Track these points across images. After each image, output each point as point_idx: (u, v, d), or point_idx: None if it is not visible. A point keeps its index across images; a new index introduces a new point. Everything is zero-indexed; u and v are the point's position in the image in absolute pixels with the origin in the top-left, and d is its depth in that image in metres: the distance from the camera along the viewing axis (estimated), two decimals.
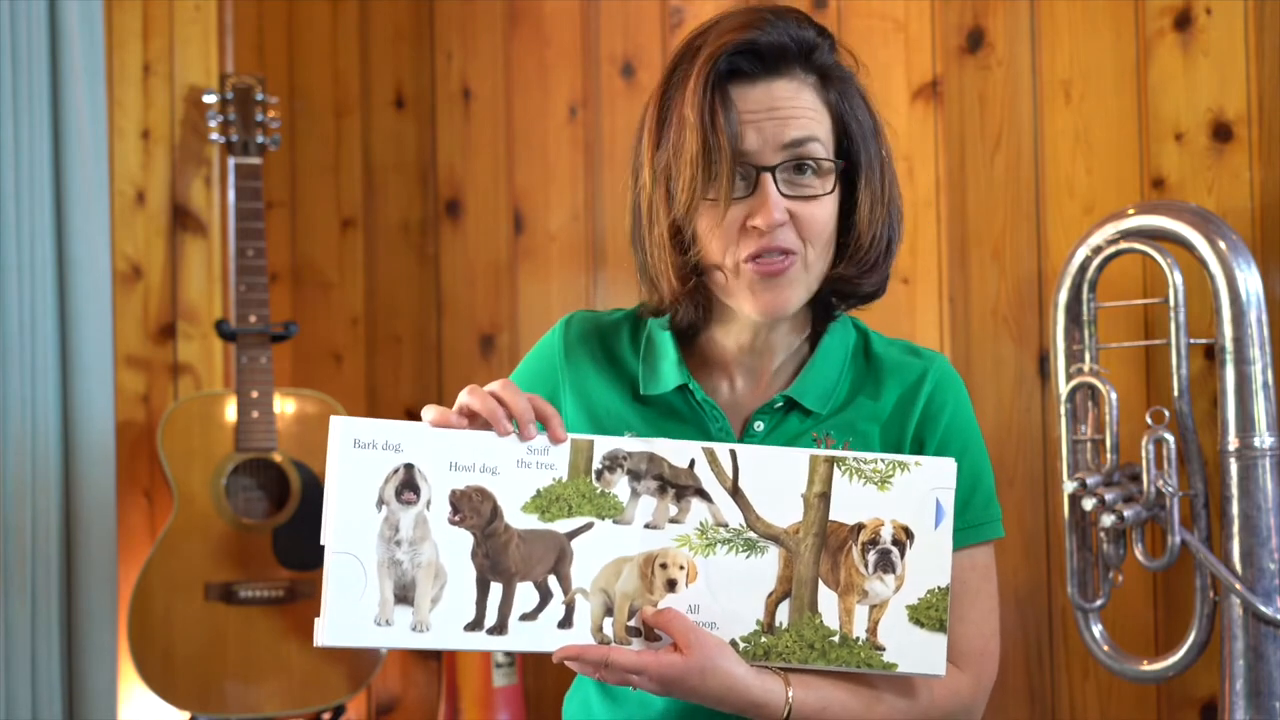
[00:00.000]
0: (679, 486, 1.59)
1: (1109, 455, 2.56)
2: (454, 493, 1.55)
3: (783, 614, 1.60)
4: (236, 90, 3.41)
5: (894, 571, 1.60)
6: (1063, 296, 2.63)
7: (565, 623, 1.57)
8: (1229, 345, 2.50)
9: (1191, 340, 2.56)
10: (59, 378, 3.13)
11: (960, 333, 2.90)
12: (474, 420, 1.58)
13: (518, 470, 1.56)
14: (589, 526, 1.58)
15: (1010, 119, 2.86)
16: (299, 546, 3.26)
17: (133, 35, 3.50)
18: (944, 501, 1.61)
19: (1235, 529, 2.49)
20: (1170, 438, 2.53)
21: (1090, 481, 2.56)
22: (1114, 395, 2.55)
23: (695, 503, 1.59)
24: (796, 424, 1.74)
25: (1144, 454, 2.53)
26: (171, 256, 3.55)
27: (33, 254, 3.07)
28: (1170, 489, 2.51)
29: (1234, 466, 2.49)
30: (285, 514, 3.27)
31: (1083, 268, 2.61)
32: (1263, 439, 2.48)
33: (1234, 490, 2.49)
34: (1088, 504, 2.54)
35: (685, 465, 1.59)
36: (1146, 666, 2.61)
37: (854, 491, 1.60)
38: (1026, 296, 2.84)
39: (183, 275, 3.56)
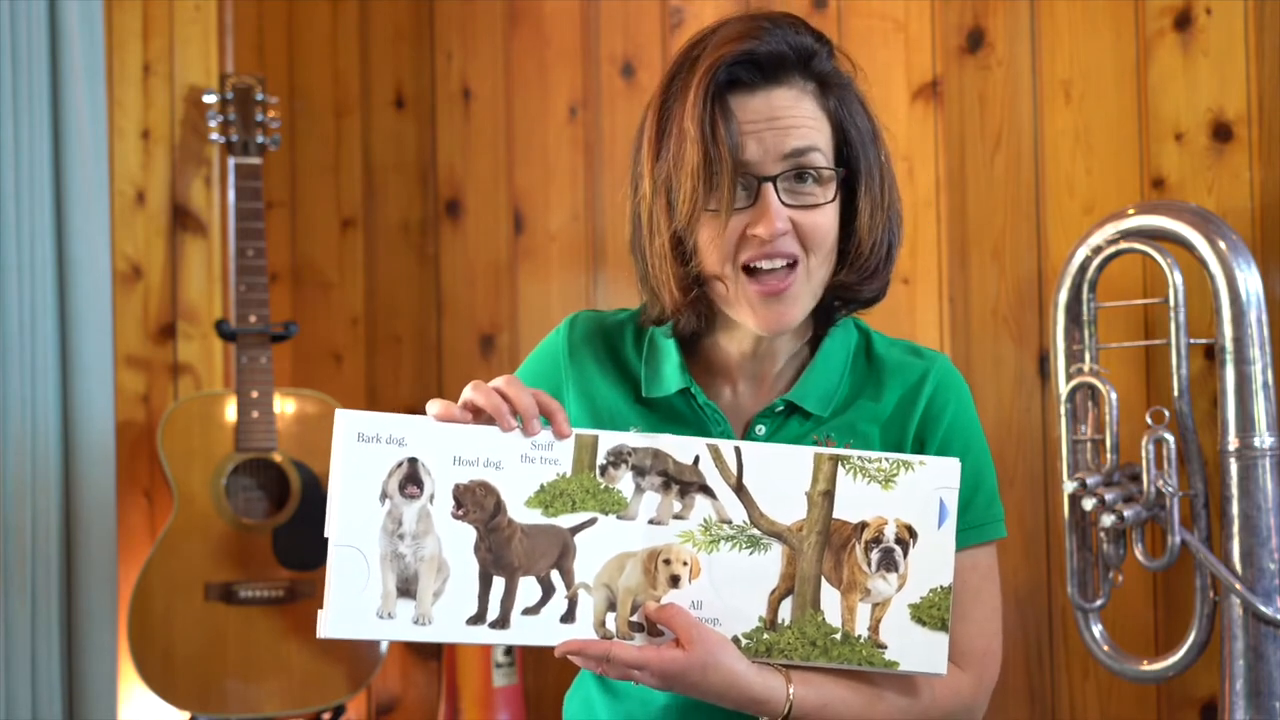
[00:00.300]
0: (683, 483, 1.59)
1: (1109, 455, 2.56)
2: (457, 487, 1.55)
3: (785, 611, 1.60)
4: (236, 90, 3.41)
5: (897, 570, 1.60)
6: (1063, 296, 2.63)
7: (568, 617, 1.57)
8: (1229, 345, 2.50)
9: (1191, 340, 2.56)
10: (59, 378, 3.13)
11: (960, 333, 2.90)
12: (478, 415, 1.58)
13: (521, 465, 1.57)
14: (592, 522, 1.58)
15: (1010, 119, 2.86)
16: (299, 546, 3.26)
17: (133, 35, 3.50)
18: (947, 501, 1.61)
19: (1235, 529, 2.49)
20: (1170, 438, 2.53)
21: (1090, 481, 2.56)
22: (1114, 395, 2.55)
23: (699, 499, 1.59)
24: (797, 427, 1.74)
25: (1144, 454, 2.54)
26: (171, 256, 3.55)
27: (33, 254, 3.08)
28: (1170, 489, 2.52)
29: (1234, 466, 2.49)
30: (285, 514, 3.27)
31: (1083, 268, 2.61)
32: (1263, 439, 2.48)
33: (1234, 490, 2.49)
34: (1088, 504, 2.55)
35: (690, 462, 1.59)
36: (1146, 666, 2.61)
37: (858, 490, 1.60)
38: (1026, 296, 2.84)
39: (183, 275, 3.56)
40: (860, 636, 1.60)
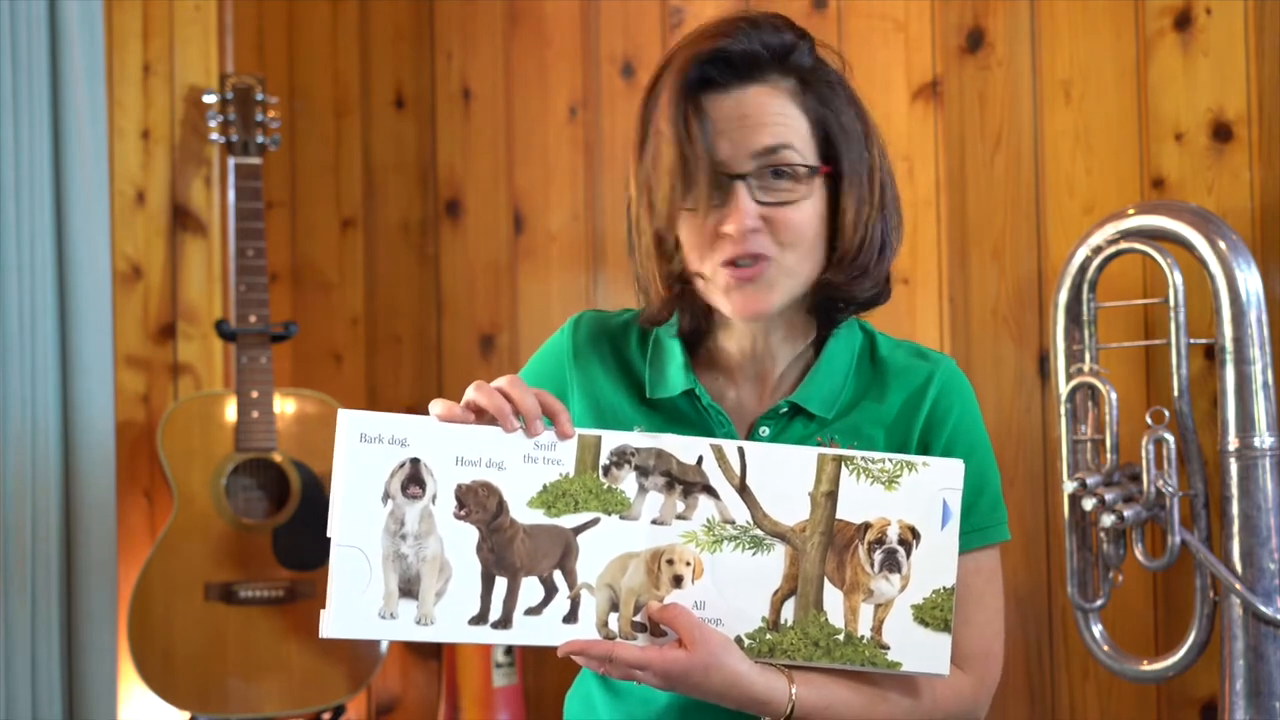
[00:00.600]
0: (686, 483, 1.59)
1: (1109, 455, 2.56)
2: (460, 487, 1.55)
3: (788, 611, 1.60)
4: (236, 90, 3.41)
5: (900, 571, 1.60)
6: (1063, 296, 2.63)
7: (570, 618, 1.57)
8: (1229, 345, 2.50)
9: (1191, 340, 2.56)
10: (59, 378, 3.13)
11: (960, 333, 2.90)
12: (481, 416, 1.58)
13: (524, 465, 1.57)
14: (595, 522, 1.58)
15: (1010, 119, 2.86)
16: (299, 546, 3.26)
17: (133, 35, 3.50)
18: (951, 502, 1.61)
19: (1235, 529, 2.49)
20: (1170, 438, 2.53)
21: (1090, 481, 2.56)
22: (1114, 395, 2.56)
23: (702, 499, 1.59)
24: (801, 429, 1.73)
25: (1144, 454, 2.54)
26: (171, 256, 3.55)
27: (33, 254, 3.07)
28: (1170, 489, 2.52)
29: (1234, 466, 2.49)
30: (285, 514, 3.27)
31: (1083, 268, 2.61)
32: (1263, 439, 2.48)
33: (1234, 490, 2.49)
34: (1088, 504, 2.55)
35: (693, 462, 1.59)
36: (1146, 666, 2.62)
37: (861, 491, 1.60)
38: (1026, 296, 2.84)
39: (183, 275, 3.56)
40: (863, 637, 1.60)
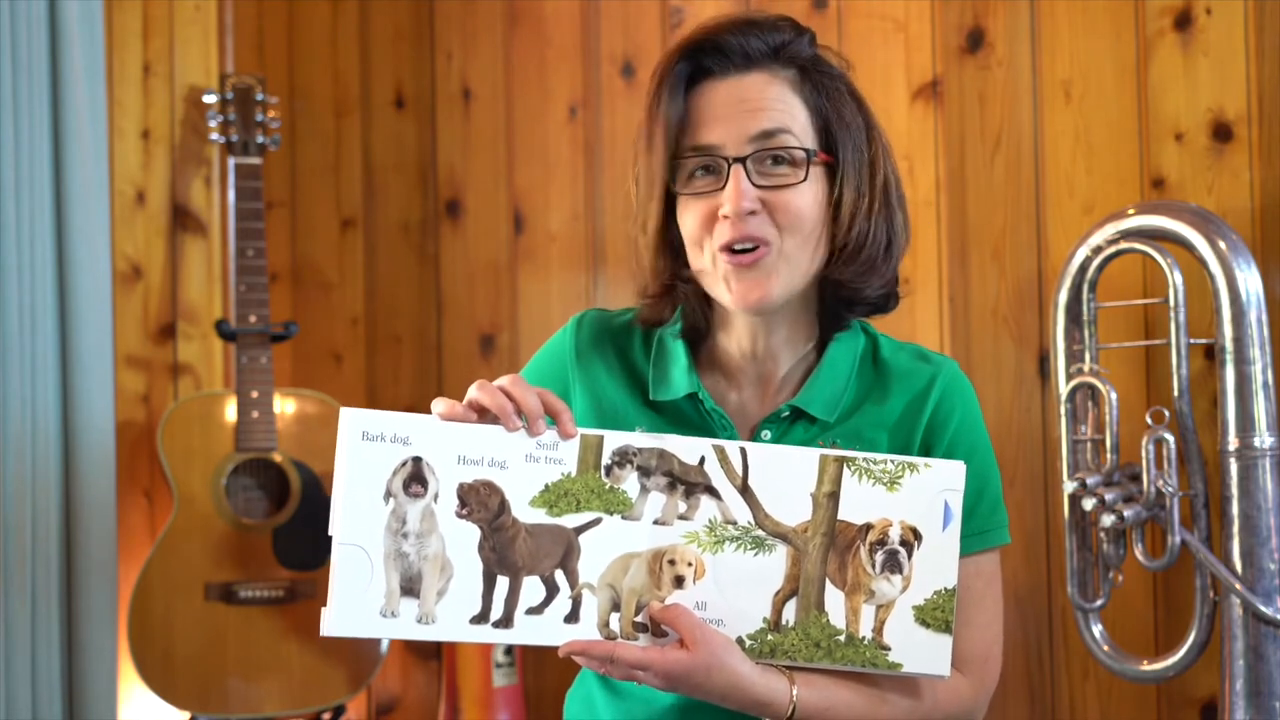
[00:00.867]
0: (688, 483, 1.59)
1: (1109, 455, 2.57)
2: (462, 486, 1.55)
3: (789, 612, 1.60)
4: (236, 90, 3.41)
5: (901, 572, 1.61)
6: (1063, 296, 2.63)
7: (571, 617, 1.57)
8: (1229, 345, 2.50)
9: (1191, 340, 2.56)
10: (59, 378, 3.13)
11: (960, 333, 2.91)
12: (483, 415, 1.58)
13: (526, 465, 1.57)
14: (597, 522, 1.58)
15: (1010, 119, 2.86)
16: (299, 546, 3.26)
17: (133, 35, 3.50)
18: (952, 504, 1.61)
19: (1235, 529, 2.49)
20: (1170, 438, 2.53)
21: (1090, 481, 2.56)
22: (1114, 395, 2.56)
23: (704, 500, 1.59)
24: (803, 432, 1.74)
25: (1144, 454, 2.54)
26: (171, 256, 3.55)
27: (33, 254, 3.07)
28: (1170, 489, 2.52)
29: (1234, 466, 2.50)
30: (285, 514, 3.27)
31: (1083, 268, 2.61)
32: (1263, 439, 2.48)
33: (1234, 490, 2.49)
34: (1088, 504, 2.55)
35: (695, 463, 1.60)
36: (1146, 666, 2.62)
37: (863, 492, 1.61)
38: (1026, 296, 2.84)
39: (183, 275, 3.56)
40: (864, 638, 1.60)
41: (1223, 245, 2.51)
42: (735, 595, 1.59)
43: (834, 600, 1.60)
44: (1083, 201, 2.78)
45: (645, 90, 1.74)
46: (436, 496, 1.55)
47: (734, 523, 1.59)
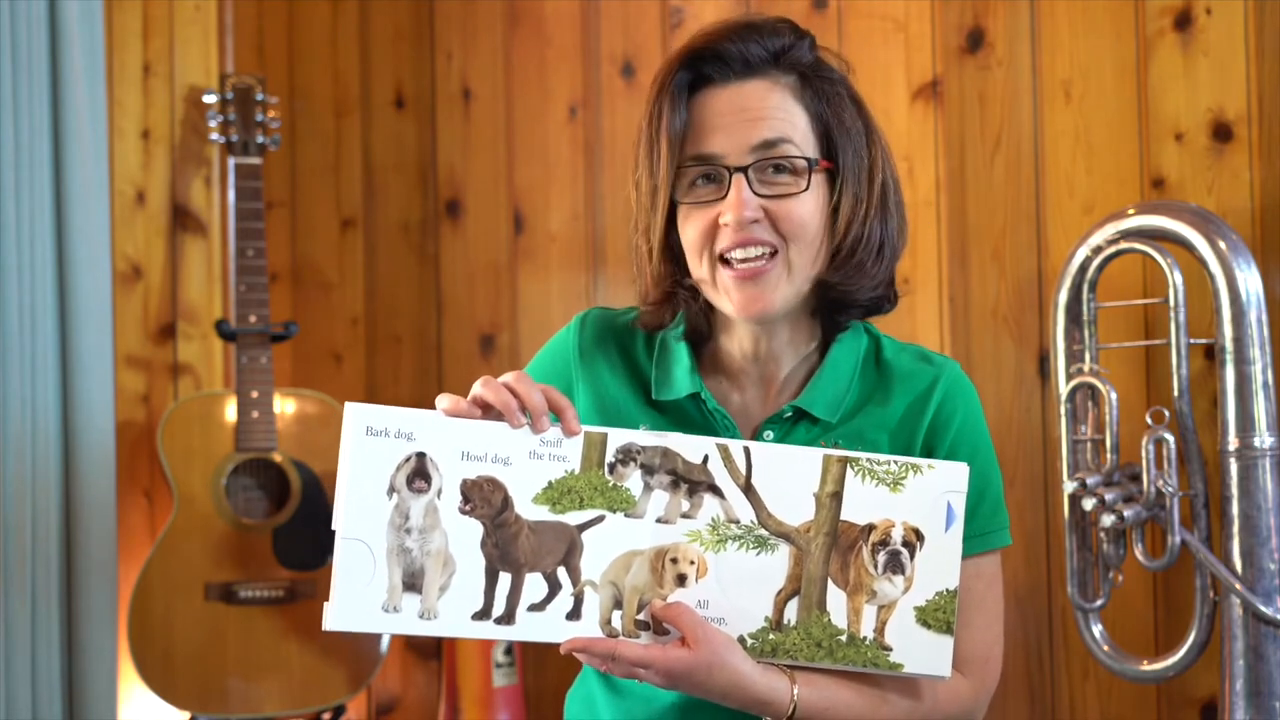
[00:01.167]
0: (692, 482, 1.59)
1: (1109, 455, 2.57)
2: (465, 482, 1.55)
3: (791, 612, 1.60)
4: (236, 90, 3.41)
5: (903, 573, 1.61)
6: (1063, 296, 2.63)
7: (573, 614, 1.57)
8: (1229, 345, 2.50)
9: (1191, 340, 2.56)
10: (59, 378, 3.13)
11: (960, 333, 2.91)
12: (487, 411, 1.58)
13: (530, 461, 1.57)
14: (600, 519, 1.58)
15: (1010, 119, 2.86)
16: (299, 546, 3.26)
17: (133, 35, 3.50)
18: (955, 505, 1.62)
19: (1235, 529, 2.49)
20: (1170, 438, 2.53)
21: (1090, 481, 2.56)
22: (1114, 395, 2.56)
23: (707, 498, 1.59)
24: (805, 433, 1.74)
25: (1144, 454, 2.54)
26: (171, 256, 3.55)
27: (33, 254, 3.07)
28: (1170, 489, 2.52)
29: (1234, 466, 2.50)
30: (285, 514, 3.27)
31: (1083, 268, 2.62)
32: (1263, 439, 2.48)
33: (1234, 490, 2.50)
34: (1088, 504, 2.55)
35: (699, 461, 1.60)
36: (1146, 666, 2.62)
37: (866, 492, 1.61)
38: (1026, 296, 2.85)
39: (183, 275, 3.56)
40: (865, 638, 1.61)
41: (1223, 245, 2.51)
42: (737, 594, 1.59)
43: (836, 600, 1.60)
44: (1083, 201, 2.79)
45: (645, 91, 1.74)
46: (440, 492, 1.55)
47: (737, 522, 1.60)
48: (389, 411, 1.55)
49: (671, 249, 1.74)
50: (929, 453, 1.74)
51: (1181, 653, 2.58)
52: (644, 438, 1.60)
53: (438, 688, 3.50)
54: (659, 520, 1.59)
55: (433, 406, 1.58)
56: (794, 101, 1.69)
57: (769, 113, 1.67)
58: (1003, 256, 2.87)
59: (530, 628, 1.57)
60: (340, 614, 1.53)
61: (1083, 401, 2.62)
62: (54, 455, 3.09)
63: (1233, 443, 2.50)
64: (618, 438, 1.59)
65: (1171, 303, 2.54)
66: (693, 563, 1.59)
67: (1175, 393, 2.55)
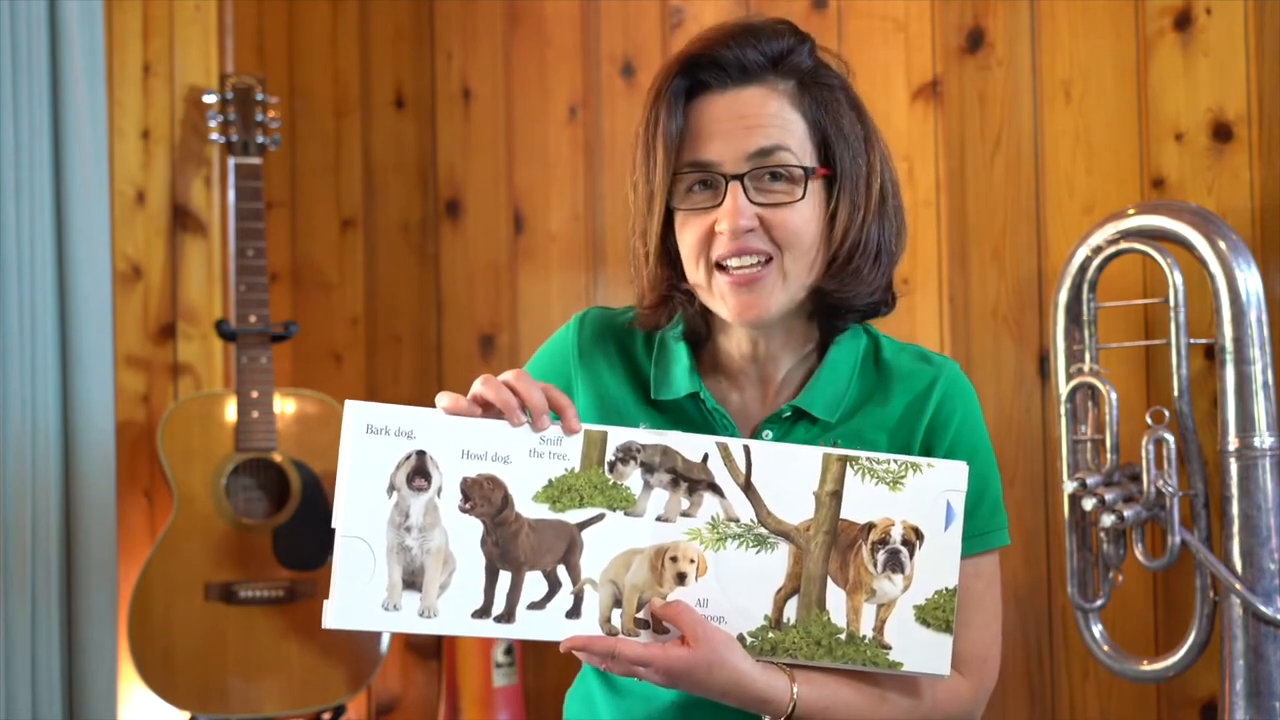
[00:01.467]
0: (692, 480, 1.59)
1: (1109, 455, 2.57)
2: (465, 480, 1.55)
3: (791, 610, 1.60)
4: (236, 90, 3.41)
5: (902, 571, 1.61)
6: (1063, 296, 2.63)
7: (573, 613, 1.57)
8: (1229, 345, 2.50)
9: (1191, 340, 2.56)
10: (59, 378, 3.13)
11: (960, 333, 2.91)
12: (487, 409, 1.58)
13: (530, 460, 1.57)
14: (600, 518, 1.58)
15: (1010, 119, 2.86)
16: (299, 546, 3.26)
17: (133, 35, 3.50)
18: (955, 504, 1.62)
19: (1235, 529, 2.49)
20: (1170, 438, 2.53)
21: (1090, 481, 2.56)
22: (1114, 395, 2.56)
23: (707, 497, 1.59)
24: (804, 433, 1.74)
25: (1144, 454, 2.54)
26: (171, 256, 3.55)
27: (33, 254, 3.07)
28: (1170, 489, 2.52)
29: (1234, 466, 2.50)
30: (285, 514, 3.27)
31: (1083, 268, 2.62)
32: (1263, 439, 2.48)
33: (1234, 490, 2.50)
34: (1088, 504, 2.55)
35: (699, 460, 1.60)
36: (1146, 666, 2.62)
37: (866, 491, 1.61)
38: (1026, 296, 2.85)
39: (183, 275, 3.56)
40: (865, 637, 1.61)
41: (1223, 245, 2.51)
42: (737, 592, 1.59)
43: (835, 599, 1.60)
44: (1083, 201, 2.79)
45: (645, 91, 1.74)
46: (440, 490, 1.55)
47: (736, 520, 1.60)
48: (389, 409, 1.55)
49: (668, 253, 1.74)
50: (927, 452, 1.74)
51: (1181, 653, 2.58)
52: (644, 436, 1.60)
53: (438, 688, 3.50)
54: (659, 519, 1.59)
55: (433, 405, 1.58)
56: (791, 108, 1.69)
57: (765, 120, 1.67)
58: (1003, 256, 2.87)
59: (530, 626, 1.57)
60: (340, 612, 1.53)
61: (1083, 401, 2.62)
62: (54, 455, 3.09)
63: (1233, 443, 2.50)
64: (618, 436, 1.59)
65: (1171, 303, 2.54)
66: (692, 561, 1.59)
67: (1175, 393, 2.55)
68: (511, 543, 1.56)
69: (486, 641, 3.25)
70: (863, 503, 1.61)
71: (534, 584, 1.57)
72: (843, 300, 1.72)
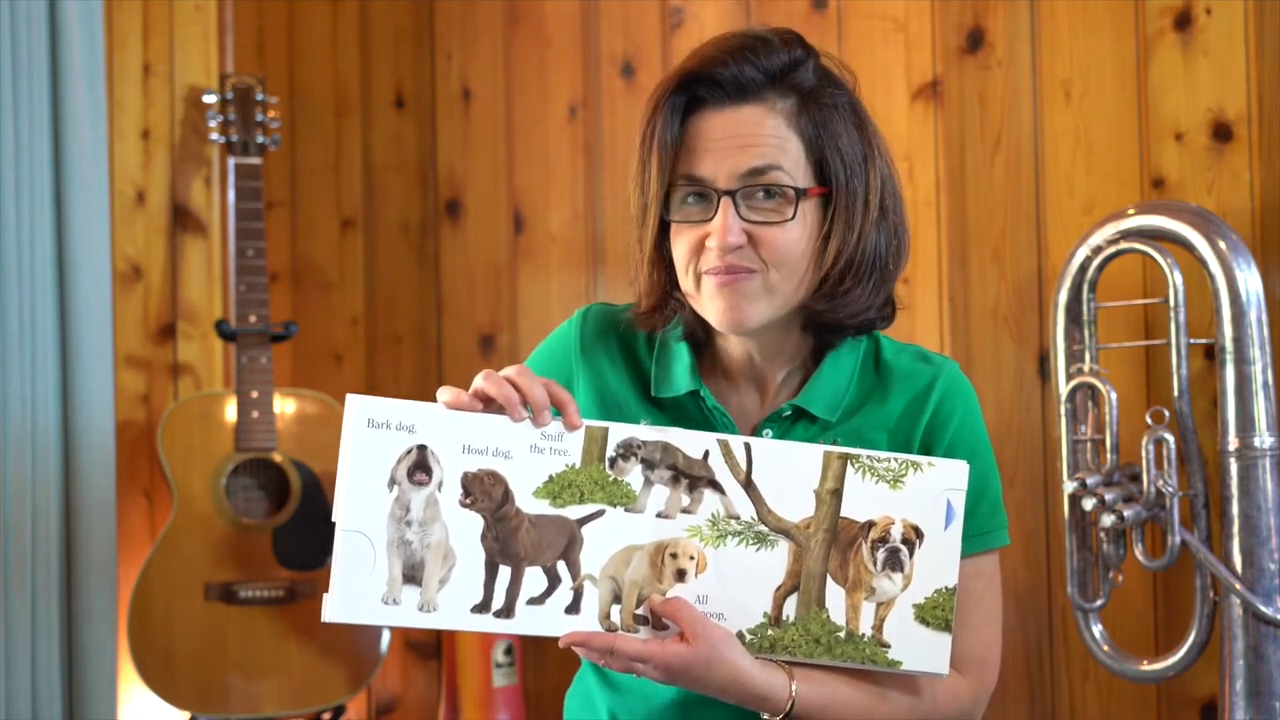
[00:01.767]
0: (692, 477, 1.60)
1: (1109, 455, 2.57)
2: (466, 475, 1.55)
3: (790, 608, 1.60)
4: (236, 90, 3.41)
5: (902, 570, 1.61)
6: (1063, 296, 2.63)
7: (573, 608, 1.57)
8: (1229, 345, 2.50)
9: (1191, 340, 2.56)
10: (59, 378, 3.13)
11: (960, 333, 2.91)
12: (489, 405, 1.58)
13: (531, 455, 1.57)
14: (600, 514, 1.58)
15: (1010, 119, 2.87)
16: (299, 546, 3.26)
17: (133, 35, 3.50)
18: (955, 503, 1.62)
19: (1235, 529, 2.49)
20: (1170, 438, 2.53)
21: (1090, 481, 2.56)
22: (1114, 395, 2.56)
23: (708, 494, 1.59)
24: (803, 432, 1.74)
25: (1144, 454, 2.54)
26: (171, 256, 3.55)
27: (33, 254, 3.08)
28: (1170, 489, 2.52)
29: (1234, 466, 2.50)
30: (285, 514, 3.27)
31: (1083, 268, 2.62)
32: (1263, 439, 2.48)
33: (1234, 490, 2.50)
34: (1088, 504, 2.55)
35: (699, 456, 1.60)
36: (1146, 666, 2.62)
37: (866, 489, 1.61)
38: (1026, 296, 2.85)
39: (183, 275, 3.56)
40: (864, 635, 1.61)
41: (1223, 245, 2.51)
42: (736, 590, 1.59)
43: (835, 597, 1.61)
44: (1083, 201, 2.79)
45: (645, 91, 1.74)
46: (440, 485, 1.55)
47: (737, 517, 1.60)
48: (390, 403, 1.55)
49: (664, 260, 1.74)
50: (927, 452, 1.74)
51: (1181, 653, 2.58)
52: (645, 433, 1.60)
53: (438, 688, 3.50)
54: (659, 515, 1.59)
55: (436, 396, 1.58)
56: (788, 127, 1.67)
57: (761, 140, 1.66)
58: (1003, 256, 2.87)
59: (529, 621, 1.57)
60: (340, 606, 1.53)
61: (1083, 401, 2.62)
62: (54, 455, 3.09)
63: (1233, 443, 2.50)
64: (619, 432, 1.59)
65: (1171, 303, 2.54)
66: (692, 558, 1.59)
67: (1175, 393, 2.55)
68: (512, 538, 1.56)
69: (487, 641, 3.25)
70: (863, 501, 1.61)
71: (534, 579, 1.57)
72: (833, 319, 1.72)
